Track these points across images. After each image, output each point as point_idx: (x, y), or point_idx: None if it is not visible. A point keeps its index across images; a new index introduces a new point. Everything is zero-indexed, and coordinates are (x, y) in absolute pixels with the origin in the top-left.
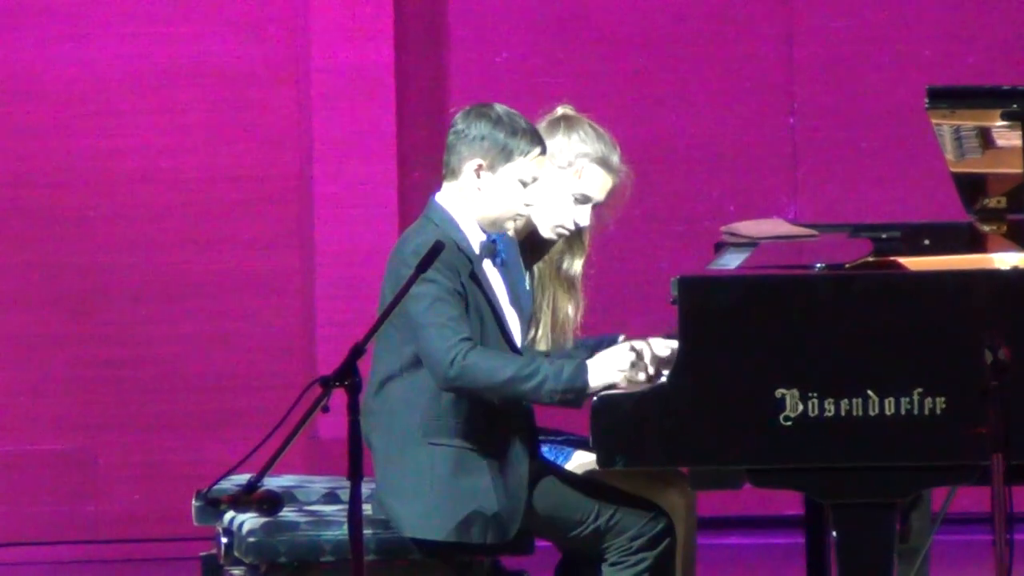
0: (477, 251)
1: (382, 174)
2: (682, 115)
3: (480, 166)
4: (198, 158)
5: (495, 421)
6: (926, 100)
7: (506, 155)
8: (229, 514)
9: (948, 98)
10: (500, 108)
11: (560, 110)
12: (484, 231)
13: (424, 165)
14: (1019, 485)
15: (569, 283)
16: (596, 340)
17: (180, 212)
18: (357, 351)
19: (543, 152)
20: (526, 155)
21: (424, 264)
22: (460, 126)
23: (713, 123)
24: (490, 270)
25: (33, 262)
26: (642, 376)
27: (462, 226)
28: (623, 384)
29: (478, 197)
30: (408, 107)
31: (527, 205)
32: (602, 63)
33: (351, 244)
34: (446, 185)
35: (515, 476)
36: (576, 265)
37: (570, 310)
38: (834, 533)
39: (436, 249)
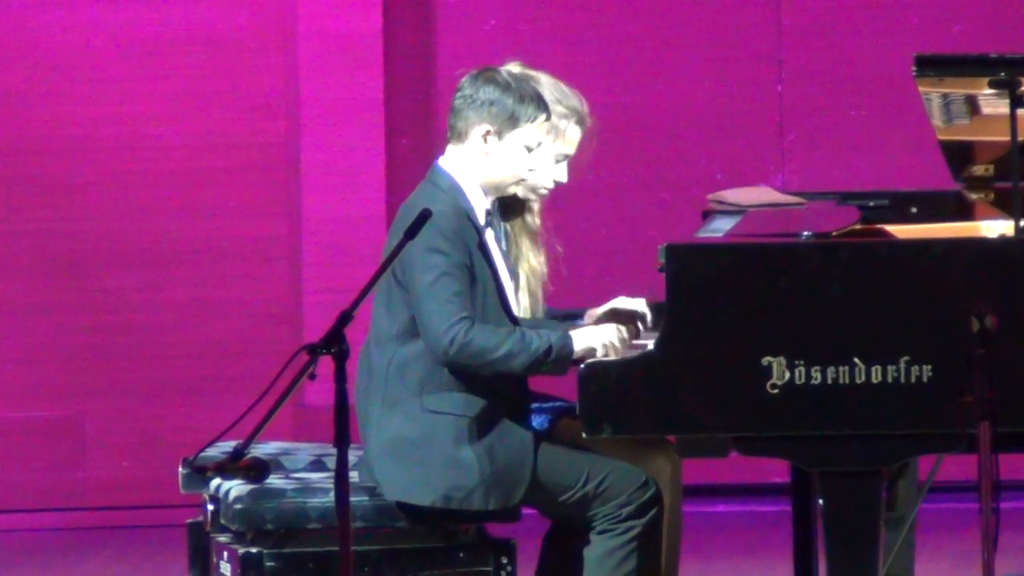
0: (482, 220)
1: (369, 141)
2: (670, 82)
3: (488, 132)
4: (186, 125)
5: (496, 389)
6: (914, 68)
7: (513, 122)
8: (215, 481)
9: (936, 66)
10: (506, 72)
11: (515, 68)
12: (486, 196)
13: (412, 132)
14: (1005, 453)
15: (533, 236)
16: (564, 313)
17: (167, 179)
18: (344, 318)
19: (548, 118)
20: (533, 121)
21: (412, 231)
22: (468, 90)
23: (701, 90)
24: (490, 238)
25: (19, 229)
26: (619, 345)
27: (468, 193)
28: (601, 351)
29: (484, 162)
30: (396, 74)
31: (531, 170)
32: (590, 30)
33: (338, 211)
34: (451, 149)
35: (517, 441)
36: (537, 217)
37: (539, 261)
38: (820, 501)
39: (423, 217)
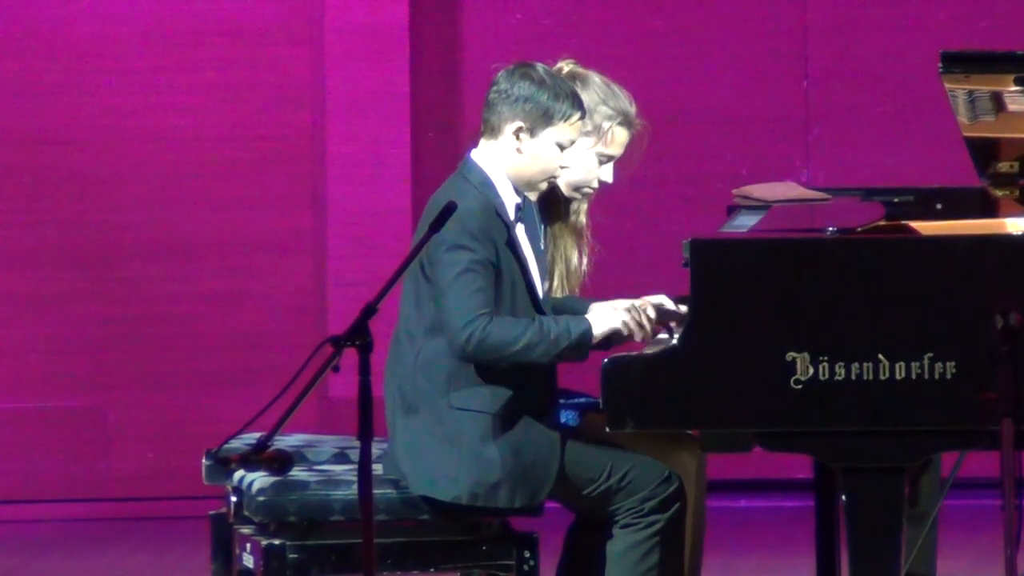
0: (512, 216)
1: (395, 134)
2: (696, 78)
3: (521, 128)
4: (212, 117)
5: (523, 385)
6: (940, 64)
7: (547, 119)
8: (239, 473)
9: (962, 63)
10: (542, 68)
11: (567, 66)
12: (517, 191)
13: (437, 125)
14: None
15: (577, 233)
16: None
17: (193, 171)
18: (369, 311)
19: (583, 117)
20: (567, 119)
21: (437, 224)
22: (503, 85)
23: (727, 86)
24: (520, 234)
25: (47, 220)
26: (644, 322)
27: (498, 188)
28: (623, 329)
29: (516, 158)
30: (422, 68)
31: (562, 168)
32: (616, 25)
33: (364, 204)
34: (483, 143)
35: (544, 439)
36: (583, 215)
37: (579, 260)
38: (843, 497)
39: (448, 210)
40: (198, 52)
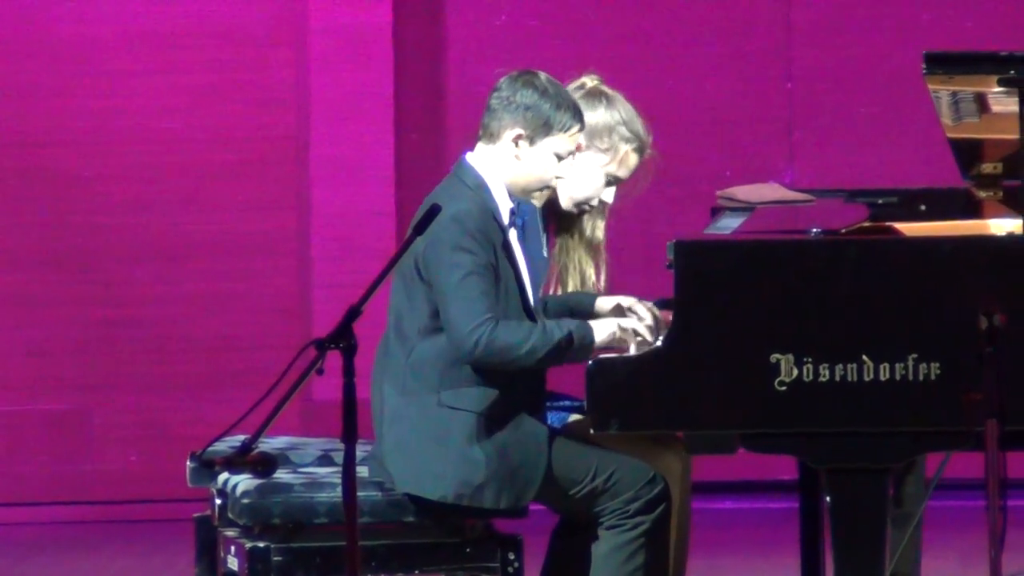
0: (506, 220)
1: (379, 136)
2: (680, 79)
3: (520, 136)
4: (196, 119)
5: (513, 386)
6: (923, 66)
7: (547, 129)
8: (223, 476)
9: (946, 64)
10: (545, 78)
11: (590, 81)
12: (511, 197)
13: (421, 127)
14: (1013, 451)
15: (593, 249)
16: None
17: (177, 173)
18: (353, 313)
19: (582, 128)
20: (566, 130)
21: (421, 226)
22: (505, 92)
23: (711, 87)
24: (513, 239)
25: (30, 222)
26: (643, 329)
27: (493, 192)
28: (620, 334)
29: (513, 165)
30: (406, 70)
31: (558, 177)
32: (601, 26)
33: (347, 206)
34: (480, 146)
35: (531, 441)
36: (599, 231)
37: (592, 273)
38: (828, 498)
39: (432, 212)
40: (182, 54)
